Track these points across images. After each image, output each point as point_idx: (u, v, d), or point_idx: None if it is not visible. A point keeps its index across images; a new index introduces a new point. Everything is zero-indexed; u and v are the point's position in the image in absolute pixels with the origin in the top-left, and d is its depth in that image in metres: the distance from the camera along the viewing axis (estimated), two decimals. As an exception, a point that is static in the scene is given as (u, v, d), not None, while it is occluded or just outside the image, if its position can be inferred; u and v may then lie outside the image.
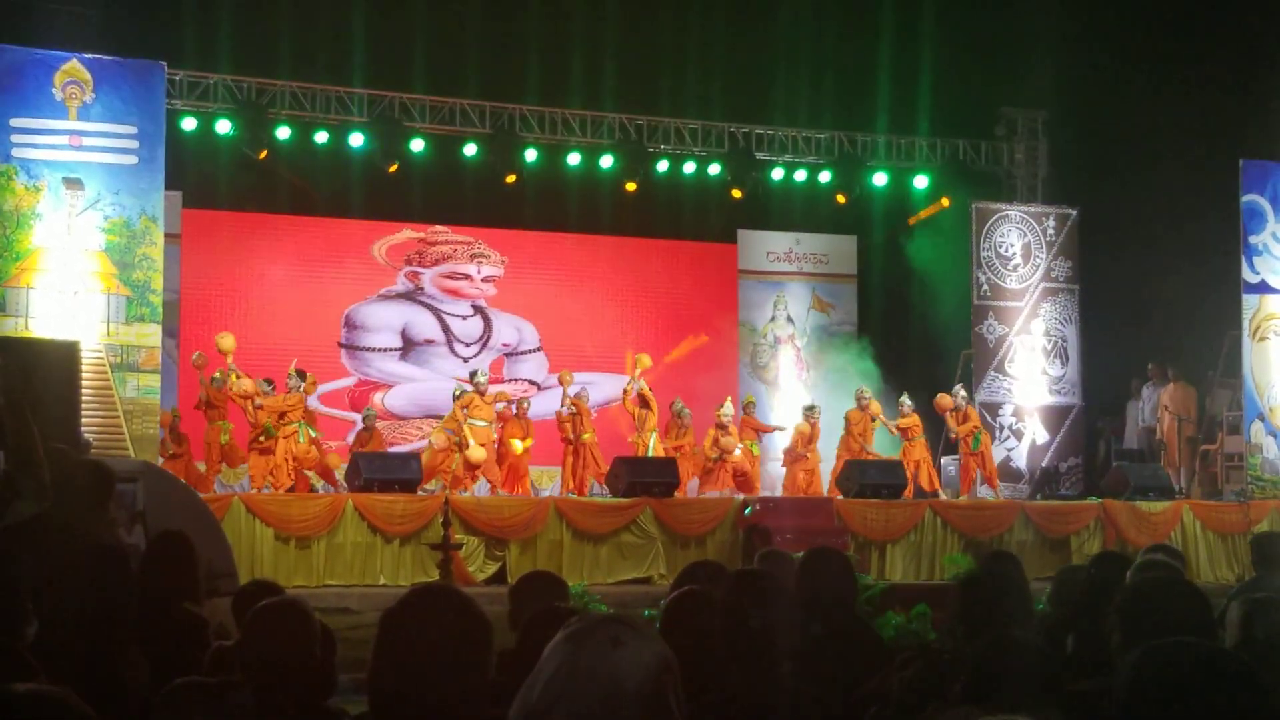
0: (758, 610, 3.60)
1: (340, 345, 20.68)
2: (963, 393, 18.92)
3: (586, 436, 17.64)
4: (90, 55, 15.96)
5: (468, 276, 21.32)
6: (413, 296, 21.13)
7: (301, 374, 16.71)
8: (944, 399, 18.75)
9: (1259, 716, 2.34)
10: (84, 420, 12.14)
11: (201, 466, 17.12)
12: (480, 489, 16.64)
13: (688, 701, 2.34)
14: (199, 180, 19.11)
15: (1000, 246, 20.64)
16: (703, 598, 3.92)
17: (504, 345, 21.47)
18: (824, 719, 3.81)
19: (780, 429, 19.46)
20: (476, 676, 2.67)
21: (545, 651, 2.28)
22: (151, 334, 16.02)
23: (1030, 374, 20.61)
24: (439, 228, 21.21)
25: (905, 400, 18.59)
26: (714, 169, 20.67)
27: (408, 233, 21.12)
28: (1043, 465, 20.39)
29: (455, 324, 21.28)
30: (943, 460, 19.59)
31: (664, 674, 2.26)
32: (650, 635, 2.30)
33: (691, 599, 4.04)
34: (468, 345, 21.24)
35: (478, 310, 21.40)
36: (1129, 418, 21.09)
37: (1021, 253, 20.72)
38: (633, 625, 2.30)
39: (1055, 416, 20.64)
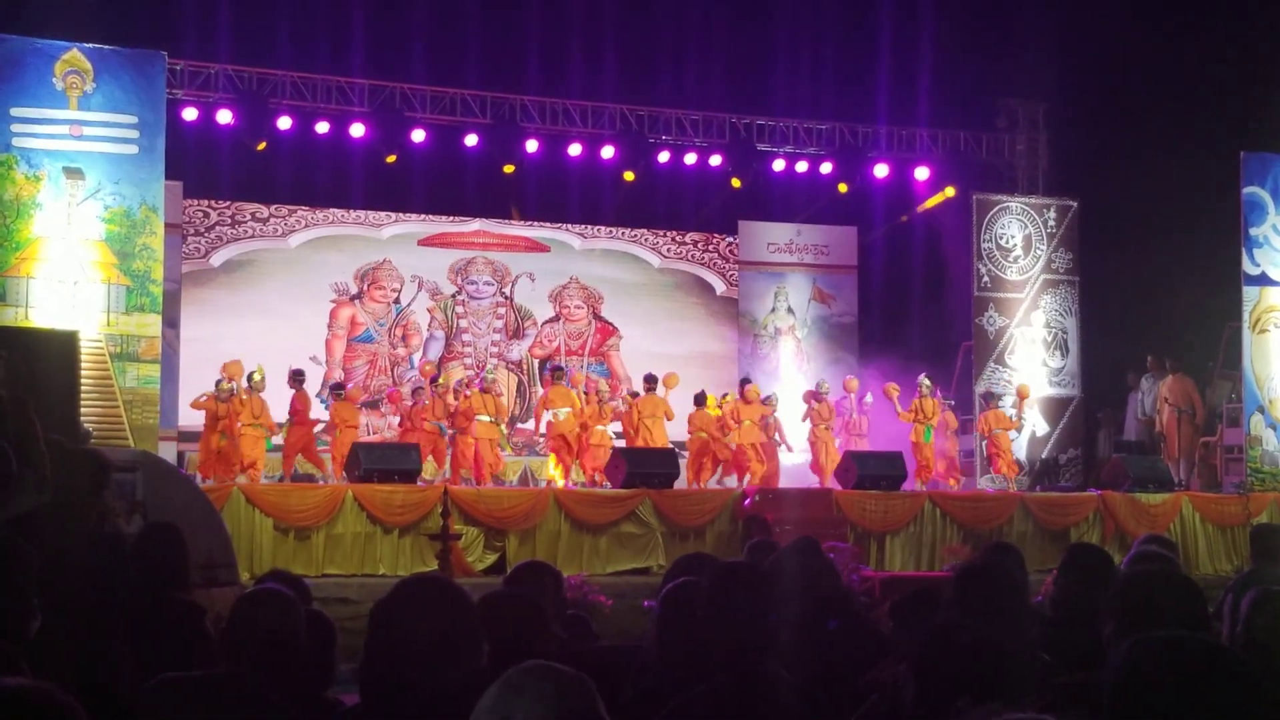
0: (741, 601, 3.60)
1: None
2: (928, 383, 18.75)
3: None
4: (91, 45, 15.95)
5: (469, 266, 21.30)
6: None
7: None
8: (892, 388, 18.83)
9: (1249, 710, 2.34)
10: (84, 410, 12.16)
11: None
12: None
13: (677, 693, 2.35)
14: (200, 170, 19.11)
15: (1001, 238, 20.63)
16: (696, 589, 3.93)
17: (505, 335, 21.45)
18: (819, 711, 3.82)
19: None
20: (467, 665, 2.68)
21: (480, 703, 2.33)
22: (151, 324, 16.02)
23: (1030, 366, 20.60)
24: (439, 218, 21.20)
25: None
26: (715, 160, 20.66)
27: (408, 223, 21.08)
28: (1042, 457, 20.41)
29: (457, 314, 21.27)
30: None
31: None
32: (575, 686, 2.34)
33: (688, 591, 4.05)
34: (469, 335, 21.22)
35: (479, 300, 21.37)
36: (1129, 410, 21.07)
37: (1022, 244, 20.71)
38: (556, 677, 2.34)
39: (1055, 408, 20.65)
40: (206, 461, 16.06)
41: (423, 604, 2.75)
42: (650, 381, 18.05)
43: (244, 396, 16.27)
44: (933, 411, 18.38)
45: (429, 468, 17.20)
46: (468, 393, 17.42)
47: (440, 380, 18.06)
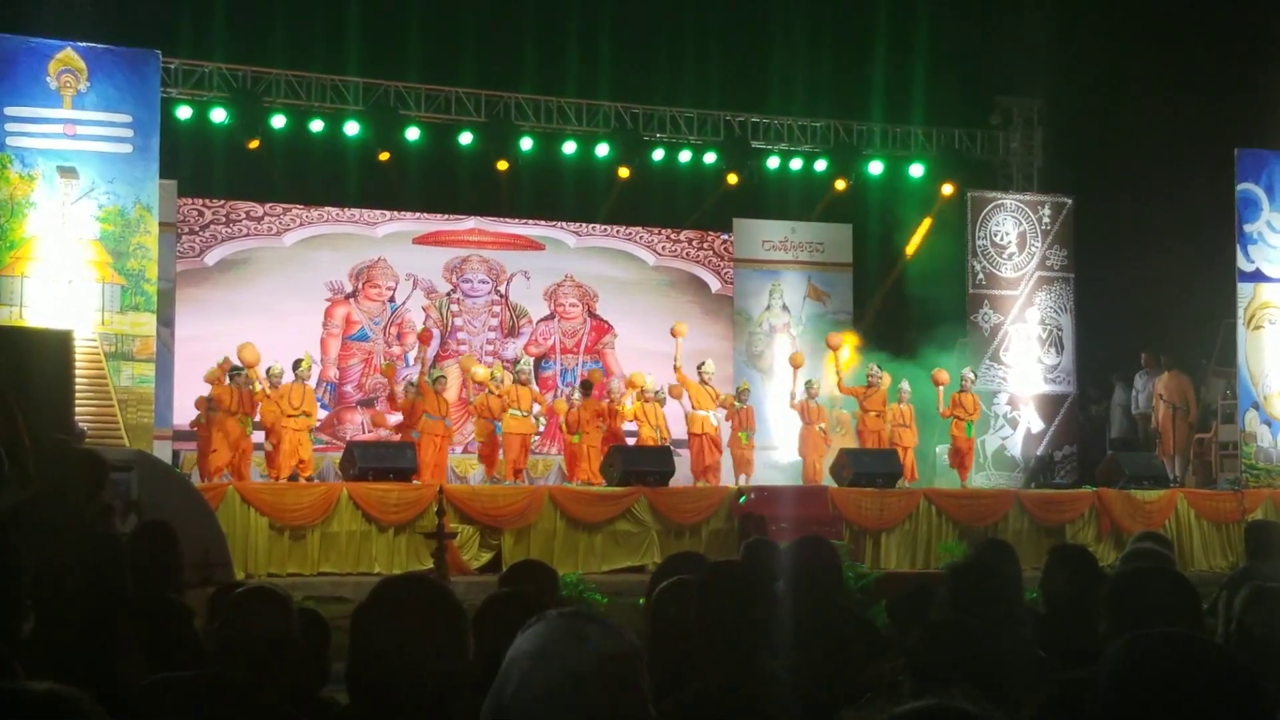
0: (735, 600, 3.60)
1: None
2: (971, 376, 18.81)
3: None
4: (85, 44, 15.92)
5: (464, 264, 21.29)
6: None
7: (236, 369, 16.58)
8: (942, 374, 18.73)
9: (1243, 707, 2.34)
10: (79, 410, 12.15)
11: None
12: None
13: (671, 692, 2.35)
14: (194, 169, 19.09)
15: (996, 235, 20.65)
16: (691, 588, 3.93)
17: (500, 333, 21.44)
18: (813, 709, 3.82)
19: None
20: (452, 664, 2.67)
21: (512, 648, 2.27)
22: (146, 323, 16.00)
23: (1025, 363, 20.62)
24: (434, 216, 21.18)
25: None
26: (709, 157, 20.68)
27: (403, 221, 21.07)
28: (1037, 454, 20.42)
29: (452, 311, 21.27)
30: (936, 449, 19.60)
31: (631, 664, 2.25)
32: (614, 630, 2.28)
33: (680, 589, 4.04)
34: (464, 333, 21.21)
35: (474, 298, 21.36)
36: (1115, 406, 21.00)
37: (1017, 241, 20.72)
38: (597, 620, 2.29)
39: (1050, 405, 20.67)
40: (210, 459, 16.03)
41: (402, 604, 2.75)
42: (585, 388, 18.18)
43: (267, 389, 16.35)
44: (973, 407, 18.42)
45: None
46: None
47: (490, 375, 17.97)
